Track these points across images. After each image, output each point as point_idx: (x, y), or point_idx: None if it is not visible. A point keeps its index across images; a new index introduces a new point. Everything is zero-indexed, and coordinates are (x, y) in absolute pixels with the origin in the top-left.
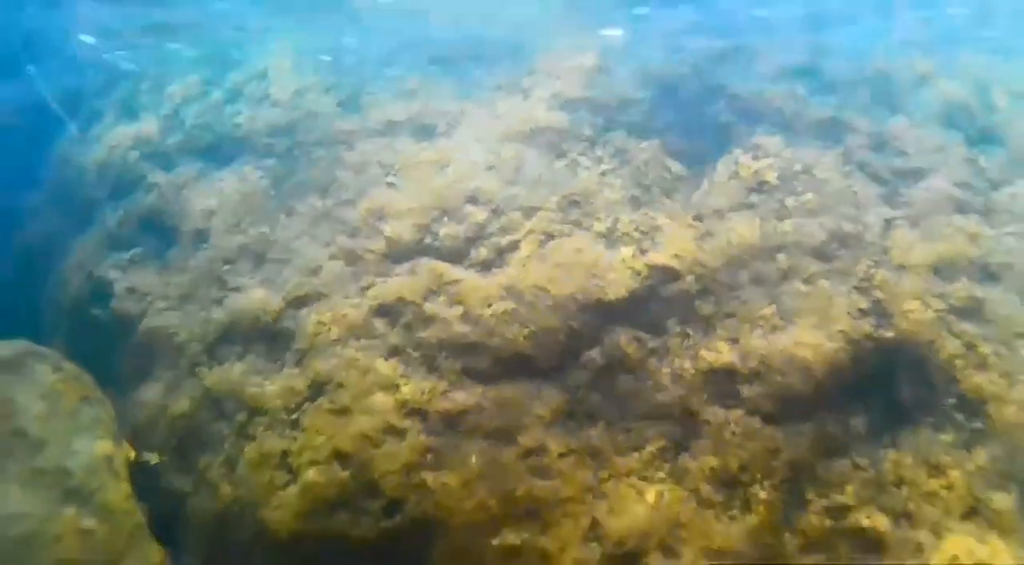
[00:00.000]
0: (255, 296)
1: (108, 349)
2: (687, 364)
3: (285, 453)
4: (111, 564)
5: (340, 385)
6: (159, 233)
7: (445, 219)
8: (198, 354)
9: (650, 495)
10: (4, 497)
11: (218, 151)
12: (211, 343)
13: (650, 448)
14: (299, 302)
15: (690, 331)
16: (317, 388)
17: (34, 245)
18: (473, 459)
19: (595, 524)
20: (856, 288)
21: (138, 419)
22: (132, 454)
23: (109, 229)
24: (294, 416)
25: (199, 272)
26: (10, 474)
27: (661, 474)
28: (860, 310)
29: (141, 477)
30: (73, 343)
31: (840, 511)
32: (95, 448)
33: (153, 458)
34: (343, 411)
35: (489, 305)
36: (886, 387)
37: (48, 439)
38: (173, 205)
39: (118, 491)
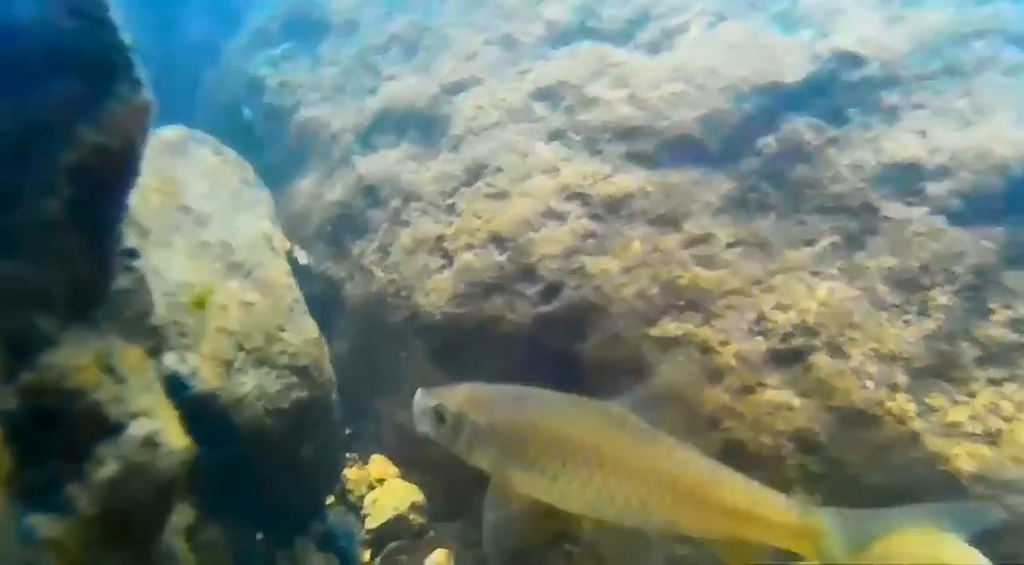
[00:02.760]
0: (409, 83)
1: (263, 145)
2: (869, 156)
3: (440, 238)
4: (271, 335)
5: (498, 169)
6: (309, 27)
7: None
8: (352, 143)
9: (821, 291)
10: (172, 267)
11: None
12: (365, 132)
13: (824, 243)
14: (455, 87)
15: (874, 121)
16: (474, 172)
17: (188, 52)
18: (635, 245)
19: (761, 318)
20: None
21: (294, 210)
22: (288, 243)
23: (259, 27)
24: (450, 201)
25: (351, 63)
26: (178, 247)
27: (834, 270)
28: None
29: (297, 266)
30: (229, 141)
31: None
32: (255, 227)
33: (301, 257)
34: (501, 195)
35: (656, 87)
36: None
37: (211, 216)
38: None
39: (277, 268)
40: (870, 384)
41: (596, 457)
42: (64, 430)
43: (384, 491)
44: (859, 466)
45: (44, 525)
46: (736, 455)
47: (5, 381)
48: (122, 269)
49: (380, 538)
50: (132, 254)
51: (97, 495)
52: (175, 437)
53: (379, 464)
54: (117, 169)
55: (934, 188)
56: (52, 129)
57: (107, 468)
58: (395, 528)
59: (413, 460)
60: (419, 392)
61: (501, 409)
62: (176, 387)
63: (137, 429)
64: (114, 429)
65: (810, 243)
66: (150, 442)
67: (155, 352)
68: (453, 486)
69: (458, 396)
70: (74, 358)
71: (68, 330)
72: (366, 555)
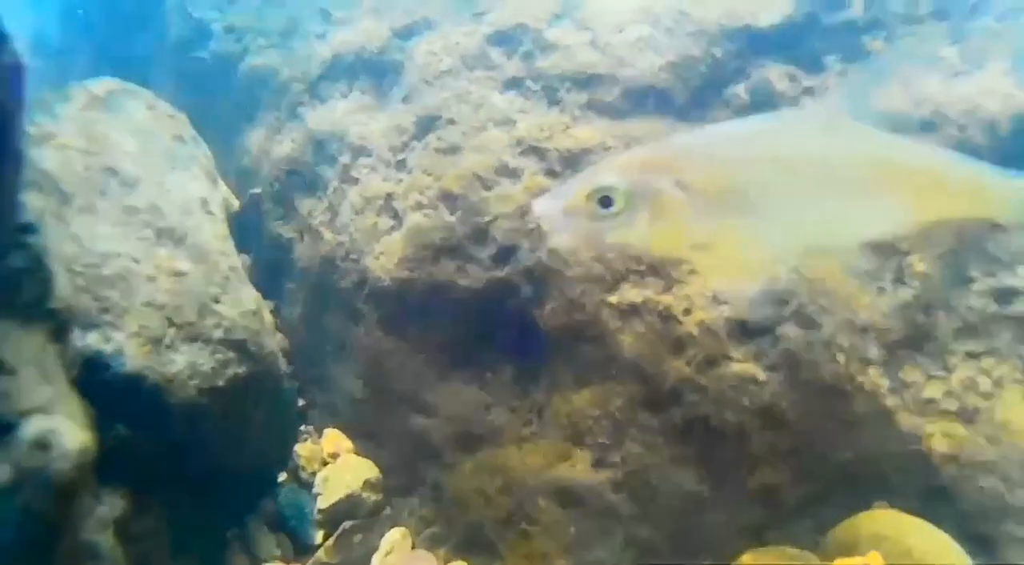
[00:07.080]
0: (359, 27)
1: (212, 93)
2: None
3: (390, 196)
4: (204, 307)
5: (450, 121)
6: None
7: None
8: (300, 93)
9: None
10: (96, 235)
11: None
12: (314, 81)
13: None
14: (407, 32)
15: (853, 69)
16: (425, 125)
17: None
18: None
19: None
20: None
21: (243, 165)
22: (236, 202)
23: None
24: (400, 156)
25: (300, 5)
26: (101, 212)
27: None
28: None
29: (243, 227)
30: (179, 88)
31: (1008, 295)
32: (189, 188)
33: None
34: (453, 149)
35: (620, 30)
36: None
37: (141, 178)
38: None
39: (213, 232)
40: (841, 357)
41: (823, 162)
42: None
43: (336, 468)
44: (828, 444)
45: None
46: (699, 430)
47: None
48: (14, 247)
49: (333, 517)
50: (27, 229)
51: None
52: (71, 435)
53: (333, 438)
54: None
55: None
56: None
57: None
58: (348, 507)
59: (368, 433)
60: (542, 200)
61: (691, 161)
62: (98, 369)
63: (28, 430)
64: (2, 430)
65: None
66: (42, 444)
67: (59, 336)
68: (409, 459)
69: (628, 168)
70: None
71: None
72: (319, 536)
